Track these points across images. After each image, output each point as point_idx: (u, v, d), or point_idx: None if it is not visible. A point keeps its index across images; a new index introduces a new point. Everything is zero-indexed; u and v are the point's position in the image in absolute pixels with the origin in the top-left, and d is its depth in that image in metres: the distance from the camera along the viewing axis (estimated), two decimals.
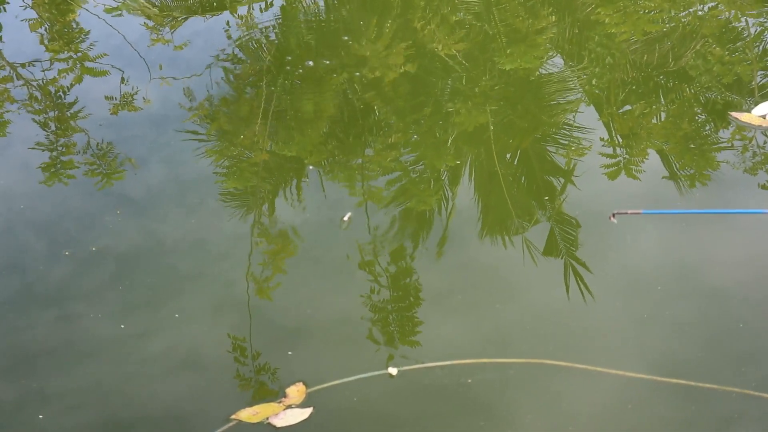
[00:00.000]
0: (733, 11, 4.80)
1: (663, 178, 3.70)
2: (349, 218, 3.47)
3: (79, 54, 4.74)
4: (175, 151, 3.98)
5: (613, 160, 3.81)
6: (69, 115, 4.27)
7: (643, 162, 3.80)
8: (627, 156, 3.84)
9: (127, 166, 3.89)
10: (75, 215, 3.63)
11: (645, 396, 2.83)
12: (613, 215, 3.35)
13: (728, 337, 3.00)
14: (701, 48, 4.47)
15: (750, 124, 3.92)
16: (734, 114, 3.96)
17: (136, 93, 4.41)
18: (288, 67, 4.46)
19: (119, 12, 5.11)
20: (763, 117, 3.93)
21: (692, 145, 3.88)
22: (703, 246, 3.37)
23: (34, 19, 5.07)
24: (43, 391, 2.91)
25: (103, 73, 4.59)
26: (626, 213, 3.35)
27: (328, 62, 4.46)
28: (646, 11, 4.82)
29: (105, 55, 4.70)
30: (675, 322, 3.05)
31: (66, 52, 4.76)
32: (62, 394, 2.90)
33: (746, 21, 4.71)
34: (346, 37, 4.65)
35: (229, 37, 4.84)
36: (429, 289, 3.25)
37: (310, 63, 4.39)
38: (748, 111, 3.98)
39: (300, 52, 4.61)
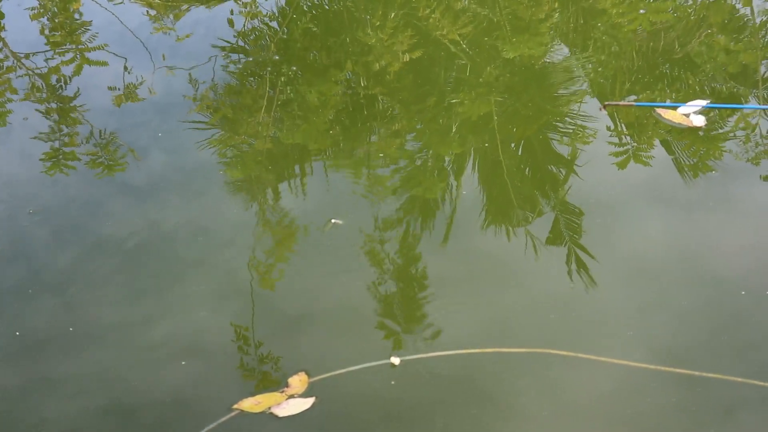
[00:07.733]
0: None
1: (667, 165, 3.69)
2: (333, 223, 3.44)
3: (81, 45, 4.73)
4: (180, 139, 3.98)
5: (619, 149, 3.79)
6: (71, 106, 4.26)
7: (648, 150, 3.79)
8: (632, 144, 3.82)
9: (130, 155, 3.88)
10: (79, 203, 3.65)
11: (647, 385, 2.82)
12: (604, 106, 3.25)
13: (731, 326, 2.99)
14: (705, 38, 4.45)
15: (671, 121, 3.87)
16: (659, 110, 3.91)
17: (141, 83, 4.40)
18: (291, 56, 4.45)
19: (121, 1, 5.10)
20: (686, 116, 3.88)
21: (698, 134, 3.87)
22: (707, 234, 3.35)
23: (36, 8, 5.06)
24: (48, 377, 2.92)
25: (104, 63, 4.58)
26: (618, 104, 3.26)
27: (329, 52, 4.44)
28: (651, 0, 4.80)
29: (106, 45, 4.69)
30: (678, 311, 3.04)
31: (68, 44, 4.76)
32: (66, 380, 2.91)
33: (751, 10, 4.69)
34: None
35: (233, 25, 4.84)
36: (432, 279, 3.24)
37: (314, 54, 4.38)
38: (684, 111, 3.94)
39: (303, 40, 4.59)
